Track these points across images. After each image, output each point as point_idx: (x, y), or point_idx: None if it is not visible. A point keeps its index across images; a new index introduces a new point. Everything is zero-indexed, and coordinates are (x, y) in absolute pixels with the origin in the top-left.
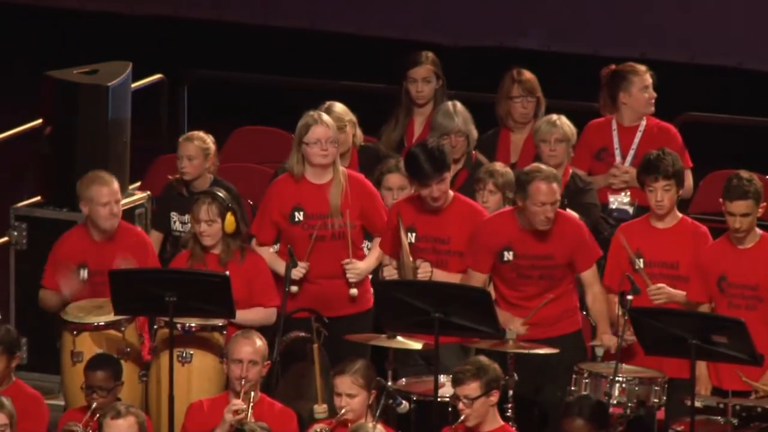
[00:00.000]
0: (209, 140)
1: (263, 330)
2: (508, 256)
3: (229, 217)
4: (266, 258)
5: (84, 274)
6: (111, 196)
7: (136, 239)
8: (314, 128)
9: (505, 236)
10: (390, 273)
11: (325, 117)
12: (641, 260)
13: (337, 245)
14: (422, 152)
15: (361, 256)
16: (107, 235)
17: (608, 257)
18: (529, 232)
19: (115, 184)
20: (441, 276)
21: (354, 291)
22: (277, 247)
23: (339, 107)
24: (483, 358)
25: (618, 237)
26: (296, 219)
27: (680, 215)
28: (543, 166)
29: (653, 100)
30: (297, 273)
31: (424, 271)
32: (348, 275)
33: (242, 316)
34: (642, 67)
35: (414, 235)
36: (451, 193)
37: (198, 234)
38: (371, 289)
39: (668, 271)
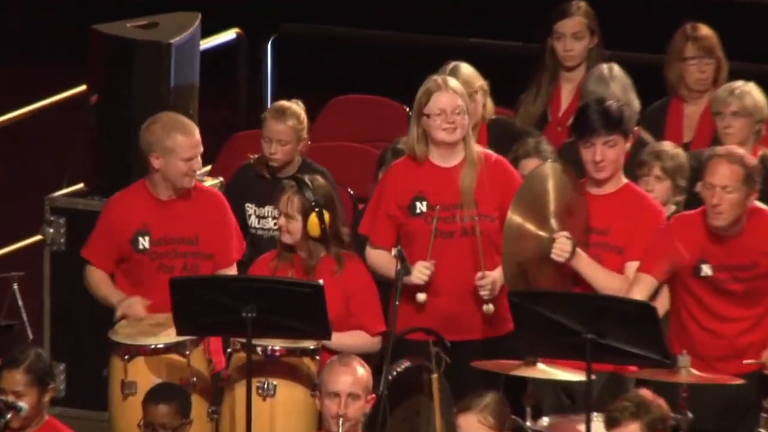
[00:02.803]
0: (303, 115)
1: (366, 356)
2: (707, 270)
3: (313, 218)
4: (383, 264)
5: (145, 242)
6: (194, 150)
7: (212, 199)
8: (437, 96)
9: (698, 244)
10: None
11: (453, 82)
12: None
13: (469, 244)
14: (596, 104)
15: (498, 262)
16: (179, 194)
17: None
18: (722, 237)
19: (198, 134)
20: (587, 266)
21: (489, 307)
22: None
23: (466, 70)
24: (645, 392)
25: None
26: (418, 210)
27: None
28: (733, 147)
29: None
30: (420, 276)
31: (561, 248)
32: (481, 292)
33: (339, 339)
34: None
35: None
36: (623, 178)
37: (279, 227)
38: None
39: None
